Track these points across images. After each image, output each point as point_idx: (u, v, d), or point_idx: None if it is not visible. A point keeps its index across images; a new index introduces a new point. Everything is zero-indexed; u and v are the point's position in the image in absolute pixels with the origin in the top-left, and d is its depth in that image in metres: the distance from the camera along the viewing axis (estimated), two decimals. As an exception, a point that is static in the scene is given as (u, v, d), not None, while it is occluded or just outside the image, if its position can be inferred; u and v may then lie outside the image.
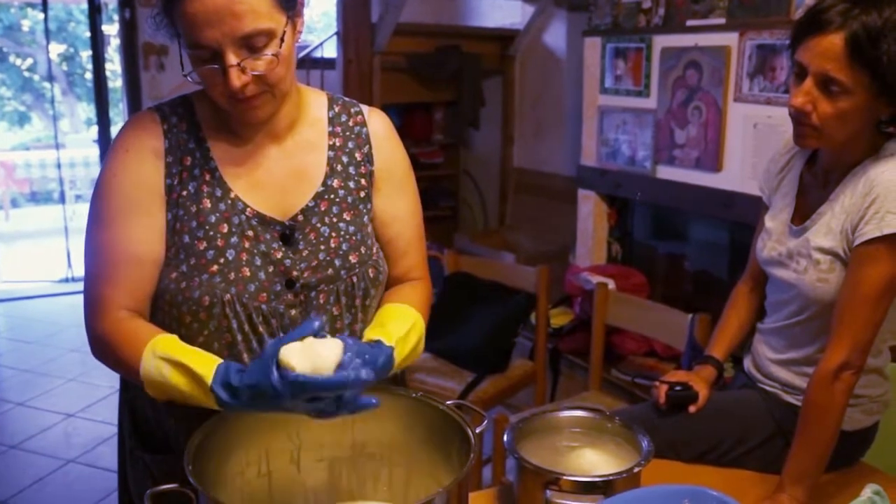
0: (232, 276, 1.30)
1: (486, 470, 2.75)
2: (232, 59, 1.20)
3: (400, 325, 1.34)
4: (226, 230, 1.31)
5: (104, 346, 1.27)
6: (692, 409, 1.79)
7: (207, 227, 1.30)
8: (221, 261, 1.30)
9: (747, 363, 1.91)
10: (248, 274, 1.31)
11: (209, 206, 1.31)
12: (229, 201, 1.33)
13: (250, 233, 1.33)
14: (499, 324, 2.98)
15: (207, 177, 1.33)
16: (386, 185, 1.46)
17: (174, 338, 1.23)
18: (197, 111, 1.36)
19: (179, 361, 1.16)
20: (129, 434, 1.48)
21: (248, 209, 1.34)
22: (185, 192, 1.31)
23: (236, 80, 1.21)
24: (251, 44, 1.21)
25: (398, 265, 1.50)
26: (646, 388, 3.34)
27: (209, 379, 1.13)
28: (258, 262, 1.32)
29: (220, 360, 1.16)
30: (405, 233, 1.49)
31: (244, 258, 1.32)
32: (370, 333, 1.31)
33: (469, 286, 3.13)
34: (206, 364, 1.15)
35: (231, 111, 1.29)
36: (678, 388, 1.80)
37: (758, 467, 1.73)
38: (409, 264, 1.51)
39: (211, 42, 1.19)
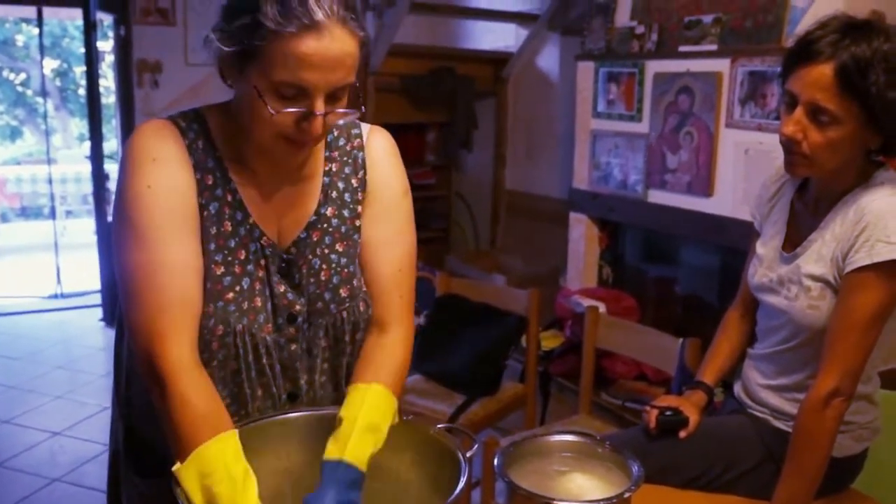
0: (245, 305, 1.27)
1: (476, 493, 2.74)
2: (321, 106, 1.16)
3: (372, 434, 1.23)
4: (243, 256, 1.28)
5: (157, 394, 1.16)
6: (682, 434, 1.79)
7: (226, 252, 1.26)
8: (237, 288, 1.26)
9: (737, 388, 1.91)
10: (259, 304, 1.29)
11: (230, 229, 1.27)
12: (248, 227, 1.28)
13: (263, 262, 1.30)
14: (489, 346, 2.97)
15: (229, 198, 1.27)
16: (371, 207, 1.39)
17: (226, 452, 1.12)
18: (211, 129, 1.28)
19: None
20: (123, 457, 1.43)
21: (264, 237, 1.30)
22: (205, 213, 1.25)
23: (320, 127, 1.18)
24: (337, 95, 1.18)
25: (374, 302, 1.38)
26: (636, 412, 3.34)
27: None
28: (267, 292, 1.30)
29: None
30: (381, 263, 1.38)
31: (257, 287, 1.28)
32: (346, 434, 1.21)
33: (460, 308, 3.12)
34: None
35: (272, 150, 1.22)
36: (668, 412, 1.80)
37: (748, 493, 1.73)
38: (384, 304, 1.38)
39: (307, 84, 1.14)
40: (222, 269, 1.25)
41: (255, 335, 1.28)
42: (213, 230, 1.25)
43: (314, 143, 1.24)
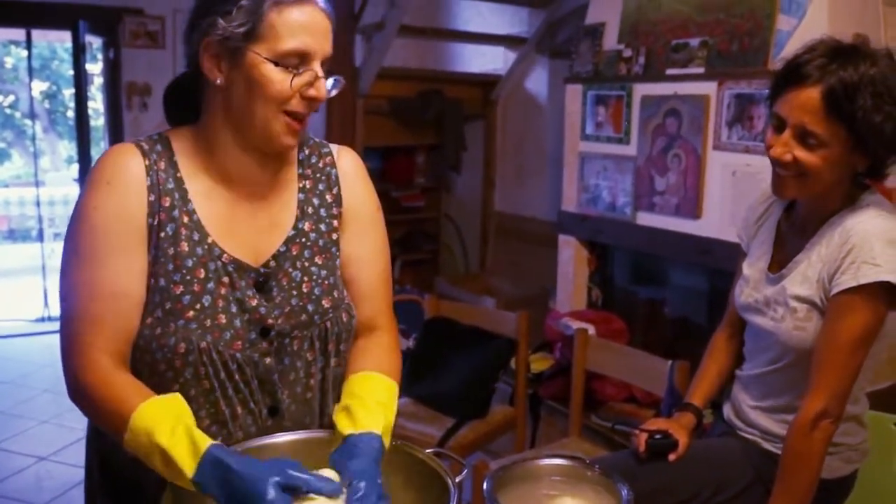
0: (208, 322, 1.28)
1: (465, 517, 2.72)
2: (321, 70, 1.27)
3: (380, 406, 1.30)
4: (202, 275, 1.29)
5: (84, 397, 1.22)
6: (672, 457, 1.79)
7: (184, 272, 1.28)
8: (198, 307, 1.27)
9: (727, 410, 1.91)
10: (224, 321, 1.29)
11: (187, 249, 1.29)
12: (206, 246, 1.30)
13: (226, 279, 1.31)
14: (479, 369, 2.97)
15: (186, 219, 1.30)
16: (351, 225, 1.45)
17: (163, 404, 1.17)
18: (175, 151, 1.33)
19: (162, 448, 1.11)
20: (98, 486, 1.44)
21: (225, 255, 1.31)
22: (162, 234, 1.28)
23: (324, 90, 1.28)
24: (322, 67, 1.28)
25: (361, 310, 1.45)
26: (626, 435, 3.33)
27: (190, 472, 1.09)
28: (234, 309, 1.31)
29: (207, 444, 1.11)
30: (368, 276, 1.46)
31: (220, 305, 1.29)
32: (358, 410, 1.27)
33: (449, 331, 3.12)
34: (189, 454, 1.11)
35: (273, 131, 1.28)
36: (658, 436, 1.80)
37: (738, 516, 1.73)
38: (373, 311, 1.47)
39: (310, 49, 1.25)
40: (181, 289, 1.27)
41: (223, 352, 1.28)
42: (171, 251, 1.28)
43: (307, 117, 1.31)
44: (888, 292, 1.53)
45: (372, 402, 1.29)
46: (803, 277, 1.65)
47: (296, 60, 1.24)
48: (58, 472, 3.58)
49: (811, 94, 1.52)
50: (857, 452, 1.74)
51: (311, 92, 1.26)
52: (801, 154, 1.56)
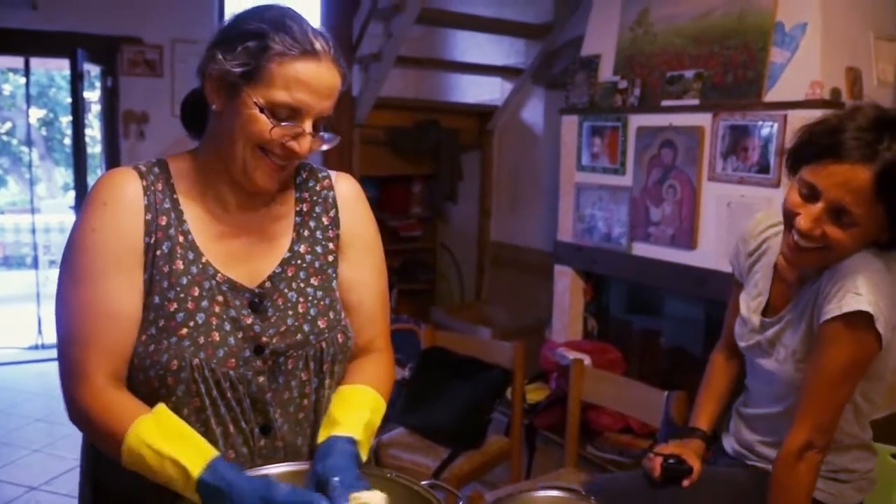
0: (201, 339, 1.29)
1: (460, 549, 2.70)
2: (309, 126, 1.28)
3: (363, 413, 1.36)
4: (196, 293, 1.30)
5: (84, 418, 1.24)
6: (686, 483, 1.77)
7: (179, 289, 1.29)
8: (191, 324, 1.29)
9: (729, 444, 1.89)
10: (218, 339, 1.30)
11: (181, 267, 1.31)
12: (201, 265, 1.32)
13: (220, 298, 1.32)
14: (474, 399, 2.95)
15: (181, 238, 1.32)
16: (350, 249, 1.46)
17: (162, 416, 1.22)
18: (172, 174, 1.36)
19: (165, 453, 1.16)
20: None
21: (219, 275, 1.33)
22: (158, 252, 1.30)
23: (306, 146, 1.28)
24: (317, 124, 1.30)
25: (361, 334, 1.48)
26: (621, 465, 3.31)
27: (195, 472, 1.13)
28: (227, 327, 1.32)
29: (211, 454, 1.17)
30: (368, 300, 1.48)
31: (214, 322, 1.30)
32: (339, 416, 1.33)
33: (445, 361, 3.11)
34: (194, 456, 1.16)
35: (253, 170, 1.29)
36: (671, 461, 1.79)
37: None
38: (373, 334, 1.50)
39: (302, 105, 1.25)
40: (175, 306, 1.29)
41: (216, 370, 1.29)
42: (166, 268, 1.30)
43: (291, 165, 1.34)
44: (869, 323, 1.49)
45: (352, 410, 1.34)
46: (800, 320, 1.64)
47: (285, 113, 1.26)
48: (49, 502, 3.55)
49: (860, 175, 1.46)
50: (867, 481, 1.73)
51: (292, 144, 1.28)
52: (832, 231, 1.52)
